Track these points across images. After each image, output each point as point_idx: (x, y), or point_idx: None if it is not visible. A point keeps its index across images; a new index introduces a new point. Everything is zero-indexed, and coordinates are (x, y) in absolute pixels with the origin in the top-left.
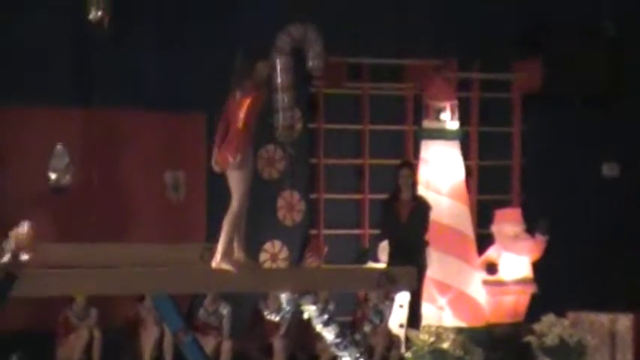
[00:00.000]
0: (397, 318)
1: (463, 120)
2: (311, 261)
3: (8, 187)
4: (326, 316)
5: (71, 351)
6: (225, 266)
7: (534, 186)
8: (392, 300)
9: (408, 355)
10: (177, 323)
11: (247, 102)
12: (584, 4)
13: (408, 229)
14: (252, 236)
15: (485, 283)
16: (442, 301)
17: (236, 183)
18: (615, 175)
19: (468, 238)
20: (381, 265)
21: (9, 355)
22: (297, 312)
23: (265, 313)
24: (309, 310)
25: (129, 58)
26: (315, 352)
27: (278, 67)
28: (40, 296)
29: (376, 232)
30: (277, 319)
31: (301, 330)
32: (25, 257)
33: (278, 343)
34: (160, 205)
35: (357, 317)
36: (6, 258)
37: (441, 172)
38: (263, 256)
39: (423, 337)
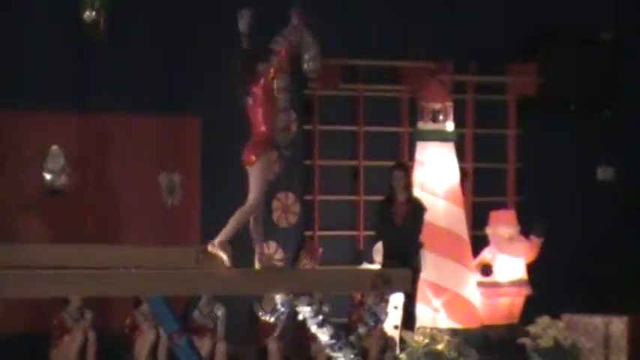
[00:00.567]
0: (392, 319)
1: (459, 122)
2: (306, 262)
3: (4, 189)
4: (321, 318)
5: (66, 353)
6: (219, 253)
7: (529, 188)
8: (387, 302)
9: (403, 356)
10: (173, 325)
11: (259, 106)
12: (581, 10)
13: (403, 230)
14: (247, 238)
15: (480, 284)
16: (437, 302)
17: (255, 180)
18: (610, 179)
19: (463, 240)
20: (376, 267)
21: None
22: (292, 313)
23: (260, 314)
24: (304, 312)
25: (124, 61)
26: (309, 353)
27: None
28: (35, 297)
29: (371, 233)
30: (272, 320)
31: (296, 331)
32: None
33: (273, 345)
34: (154, 208)
35: (352, 319)
36: None
37: (436, 174)
38: (257, 257)
39: (418, 338)
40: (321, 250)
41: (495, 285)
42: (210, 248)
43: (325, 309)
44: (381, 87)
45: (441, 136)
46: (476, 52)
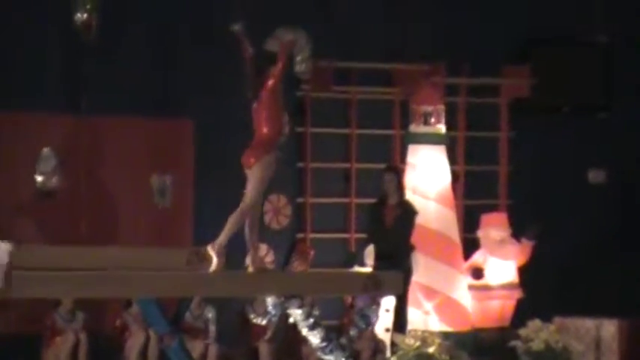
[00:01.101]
0: (383, 322)
1: (451, 125)
2: (297, 265)
3: None
4: (312, 320)
5: (57, 354)
6: (213, 255)
7: (521, 191)
8: (378, 304)
9: (394, 359)
10: (164, 327)
11: (264, 109)
12: (575, 13)
13: (394, 233)
14: (238, 240)
15: (472, 287)
16: (428, 305)
17: (253, 181)
18: (601, 182)
19: (455, 243)
20: (367, 270)
21: None
22: (284, 316)
23: (252, 316)
24: (295, 314)
25: (117, 63)
26: (300, 356)
27: None
28: (26, 298)
29: (363, 236)
30: (263, 322)
31: (287, 334)
32: None
33: (264, 347)
34: (146, 210)
35: (343, 322)
36: None
37: (428, 176)
38: (249, 260)
39: (409, 341)
40: (312, 252)
41: (486, 288)
42: (209, 248)
43: (316, 312)
44: (373, 89)
45: (432, 139)
46: (468, 54)
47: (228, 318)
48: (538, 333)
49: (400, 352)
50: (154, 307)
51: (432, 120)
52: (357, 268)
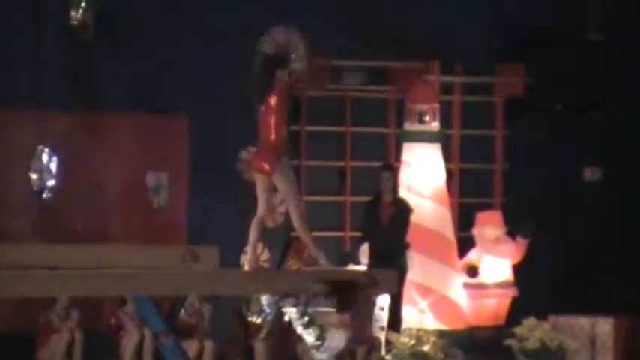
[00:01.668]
0: (378, 320)
1: (445, 123)
2: (292, 263)
3: None
4: (306, 319)
5: (52, 352)
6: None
7: (516, 189)
8: (373, 303)
9: (389, 357)
10: (159, 325)
11: (272, 113)
12: (568, 13)
13: (389, 231)
14: (233, 238)
15: (467, 286)
16: (423, 303)
17: (283, 189)
18: (597, 180)
19: (450, 241)
20: (362, 268)
21: None
22: (279, 314)
23: (247, 315)
24: (290, 313)
25: (112, 60)
26: (295, 354)
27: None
28: (21, 297)
29: (358, 234)
30: (259, 321)
31: (282, 332)
32: None
33: (259, 346)
34: (141, 208)
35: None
36: None
37: (422, 174)
38: (243, 258)
39: (404, 339)
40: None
41: (481, 286)
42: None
43: (310, 310)
44: (368, 88)
45: (427, 137)
46: (463, 52)
47: (223, 316)
48: (533, 331)
49: (395, 351)
50: (149, 305)
51: (427, 118)
52: (352, 267)
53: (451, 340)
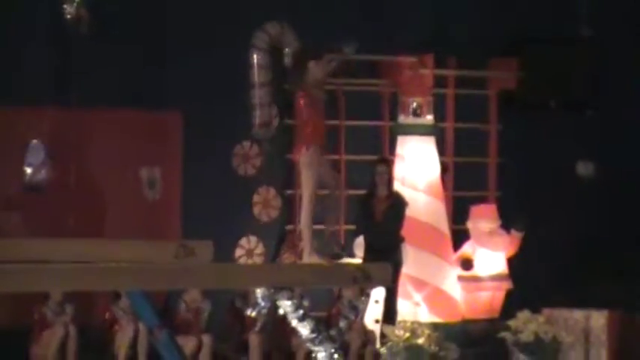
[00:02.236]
0: (373, 314)
1: (439, 116)
2: (287, 257)
3: None
4: (301, 312)
5: (47, 347)
6: (316, 259)
7: (510, 183)
8: (367, 296)
9: (383, 350)
10: (153, 320)
11: (302, 103)
12: (561, 9)
13: (384, 225)
14: (228, 232)
15: (461, 279)
16: (418, 297)
17: (304, 181)
18: (590, 174)
19: (444, 234)
20: (357, 261)
21: None
22: (273, 308)
23: (241, 308)
24: (285, 306)
25: (105, 55)
26: (290, 347)
27: (255, 64)
28: (16, 292)
29: (352, 228)
30: (253, 314)
31: (277, 326)
32: None
33: (254, 339)
34: (135, 203)
35: (333, 313)
36: None
37: (416, 168)
38: (239, 252)
39: (399, 332)
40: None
41: (476, 279)
42: (305, 260)
43: (305, 303)
44: (361, 81)
45: (421, 131)
46: (457, 46)
47: (218, 310)
48: (527, 324)
49: (390, 344)
50: (143, 300)
51: (421, 111)
52: (346, 260)
53: (446, 333)
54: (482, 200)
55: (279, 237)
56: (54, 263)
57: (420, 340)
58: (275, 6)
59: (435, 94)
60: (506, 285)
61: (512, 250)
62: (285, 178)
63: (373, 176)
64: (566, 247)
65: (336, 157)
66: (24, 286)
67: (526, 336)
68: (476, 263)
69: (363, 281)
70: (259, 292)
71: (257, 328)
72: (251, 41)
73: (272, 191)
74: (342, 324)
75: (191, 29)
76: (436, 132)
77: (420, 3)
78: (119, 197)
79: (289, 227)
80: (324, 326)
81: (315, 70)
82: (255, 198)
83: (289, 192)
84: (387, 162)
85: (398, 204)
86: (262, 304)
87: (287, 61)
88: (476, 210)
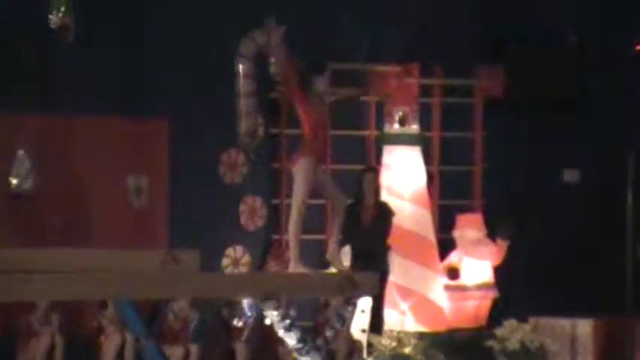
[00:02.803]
0: (359, 323)
1: (425, 125)
2: (273, 266)
3: None
4: (288, 322)
5: (33, 356)
6: (302, 269)
7: (496, 191)
8: (354, 305)
9: None
10: (140, 329)
11: (304, 115)
12: (547, 12)
13: (371, 234)
14: (214, 241)
15: (447, 288)
16: (404, 306)
17: (294, 190)
18: (576, 181)
19: (430, 243)
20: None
21: None
22: (260, 317)
23: (228, 318)
24: (271, 316)
25: (90, 62)
26: (277, 357)
27: (240, 73)
28: (2, 301)
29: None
30: (240, 324)
31: (263, 335)
32: None
33: (240, 348)
34: (122, 211)
35: (319, 322)
36: None
37: (403, 177)
38: (225, 262)
39: (385, 342)
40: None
41: (462, 288)
42: (291, 270)
43: (292, 313)
44: (347, 90)
45: (407, 140)
46: (442, 54)
47: (204, 319)
48: (514, 333)
49: (376, 353)
50: (130, 309)
51: (407, 121)
52: (333, 269)
53: (432, 342)
54: (468, 209)
55: (265, 246)
56: (41, 273)
57: (407, 350)
58: (262, 14)
59: (421, 103)
60: (493, 294)
61: (498, 260)
62: (272, 187)
63: (360, 185)
64: (551, 255)
65: (322, 166)
66: (10, 295)
67: (512, 344)
68: (462, 272)
69: (349, 290)
70: (246, 301)
71: (244, 338)
72: (237, 49)
73: (258, 200)
74: (329, 333)
75: (178, 37)
76: (422, 141)
77: (405, 12)
78: (106, 206)
79: (275, 237)
80: (310, 336)
81: (318, 85)
82: (242, 207)
83: (275, 201)
84: (374, 170)
85: (385, 213)
86: (249, 313)
87: (272, 69)
88: (462, 219)
